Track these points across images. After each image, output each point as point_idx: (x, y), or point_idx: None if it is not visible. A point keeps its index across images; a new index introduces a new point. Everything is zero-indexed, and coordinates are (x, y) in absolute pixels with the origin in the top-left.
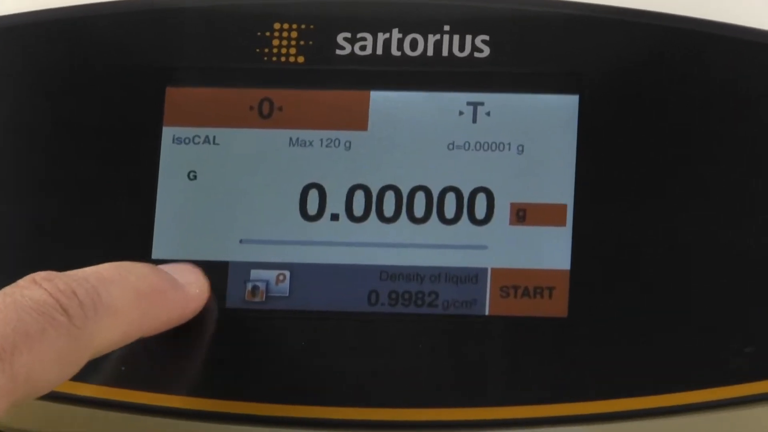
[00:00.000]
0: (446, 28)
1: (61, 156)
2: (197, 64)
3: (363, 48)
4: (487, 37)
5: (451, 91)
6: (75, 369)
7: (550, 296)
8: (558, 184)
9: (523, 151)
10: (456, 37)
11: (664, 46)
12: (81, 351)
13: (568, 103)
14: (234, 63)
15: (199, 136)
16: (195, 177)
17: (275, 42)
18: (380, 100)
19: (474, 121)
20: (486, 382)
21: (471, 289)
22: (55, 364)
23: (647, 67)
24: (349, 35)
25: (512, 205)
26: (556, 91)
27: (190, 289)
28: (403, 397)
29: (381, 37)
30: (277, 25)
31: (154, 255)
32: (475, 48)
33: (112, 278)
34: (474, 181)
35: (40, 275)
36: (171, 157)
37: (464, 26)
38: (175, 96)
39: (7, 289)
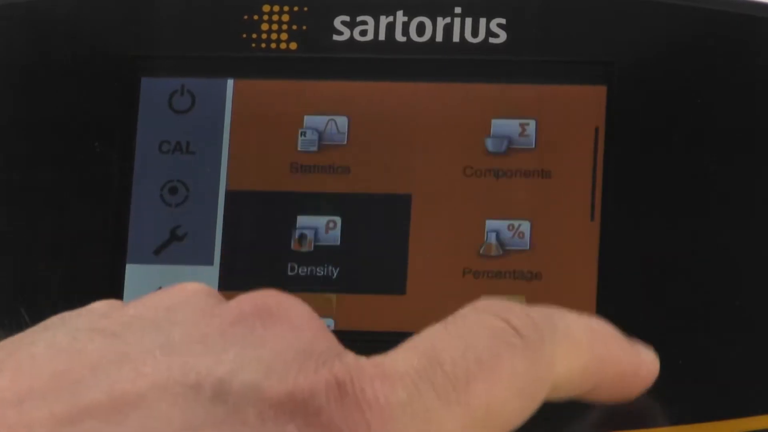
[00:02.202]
0: (457, 10)
1: (26, 155)
2: (175, 53)
3: (363, 33)
4: (503, 21)
5: (463, 82)
6: (536, 402)
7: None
8: (582, 184)
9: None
10: (468, 21)
11: (704, 31)
12: (541, 378)
13: (595, 95)
14: (217, 51)
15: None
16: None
17: (264, 27)
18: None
19: None
20: None
21: None
22: (515, 395)
23: (684, 55)
24: (347, 19)
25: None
26: (581, 81)
27: (644, 353)
28: None
29: (383, 20)
30: (266, 8)
31: (129, 261)
32: (490, 33)
33: (554, 312)
34: None
35: (485, 303)
36: (146, 158)
37: (478, 8)
38: (151, 88)
39: (454, 318)
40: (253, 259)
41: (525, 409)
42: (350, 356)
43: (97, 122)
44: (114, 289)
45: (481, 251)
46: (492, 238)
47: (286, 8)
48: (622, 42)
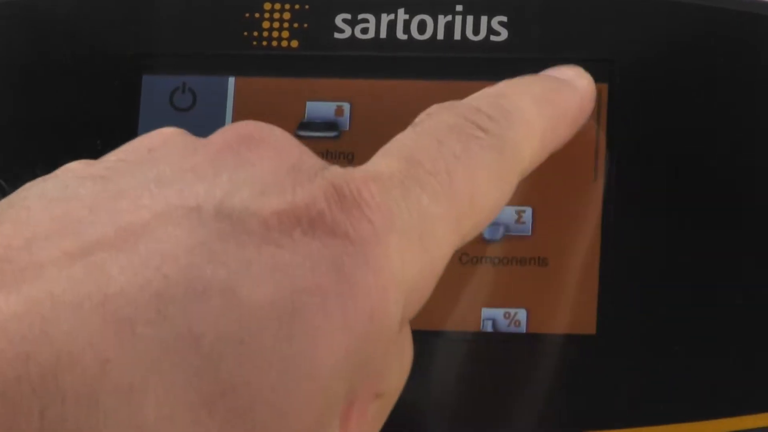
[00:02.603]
0: (459, 8)
1: (26, 154)
2: (176, 51)
3: (364, 31)
4: (504, 19)
5: (465, 80)
6: (511, 187)
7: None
8: (584, 181)
9: None
10: (470, 19)
11: (705, 29)
12: (512, 163)
13: (597, 93)
14: (218, 49)
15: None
16: None
17: (265, 24)
18: (384, 89)
19: None
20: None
21: None
22: (492, 183)
23: (685, 53)
24: (348, 17)
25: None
26: None
27: (578, 82)
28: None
29: (385, 18)
30: (267, 5)
31: None
32: (491, 31)
33: (503, 90)
34: None
35: (433, 107)
36: None
37: (479, 6)
38: (152, 86)
39: (411, 126)
40: None
41: (503, 195)
42: (338, 167)
43: (97, 120)
44: None
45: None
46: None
47: (287, 6)
48: (623, 40)
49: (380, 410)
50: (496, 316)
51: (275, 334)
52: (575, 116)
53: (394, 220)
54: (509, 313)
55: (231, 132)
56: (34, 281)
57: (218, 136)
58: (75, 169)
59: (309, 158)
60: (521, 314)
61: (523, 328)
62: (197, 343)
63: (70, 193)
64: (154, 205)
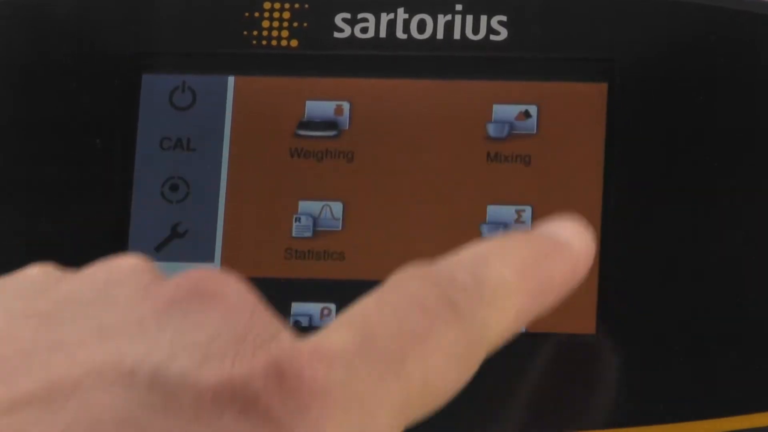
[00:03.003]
0: (458, 7)
1: (27, 152)
2: (176, 50)
3: (364, 30)
4: (504, 18)
5: (464, 79)
6: (473, 366)
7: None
8: (583, 182)
9: (545, 144)
10: (469, 18)
11: (705, 29)
12: (477, 342)
13: (597, 92)
14: (218, 48)
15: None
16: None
17: (265, 24)
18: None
19: None
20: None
21: None
22: (452, 363)
23: (685, 53)
24: (348, 16)
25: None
26: (582, 78)
27: (576, 245)
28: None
29: (384, 18)
30: (267, 5)
31: None
32: (490, 30)
33: (487, 255)
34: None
35: (411, 270)
36: (147, 154)
37: (479, 6)
38: (152, 85)
39: (380, 291)
40: (254, 255)
41: (462, 376)
42: (286, 337)
43: (98, 119)
44: None
45: None
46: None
47: (287, 5)
48: (624, 39)
49: None
50: None
51: None
52: (565, 283)
53: (334, 407)
54: None
55: (186, 283)
56: None
57: (172, 286)
58: (30, 286)
59: (259, 321)
60: None
61: (522, 328)
62: None
63: (12, 332)
64: (88, 362)
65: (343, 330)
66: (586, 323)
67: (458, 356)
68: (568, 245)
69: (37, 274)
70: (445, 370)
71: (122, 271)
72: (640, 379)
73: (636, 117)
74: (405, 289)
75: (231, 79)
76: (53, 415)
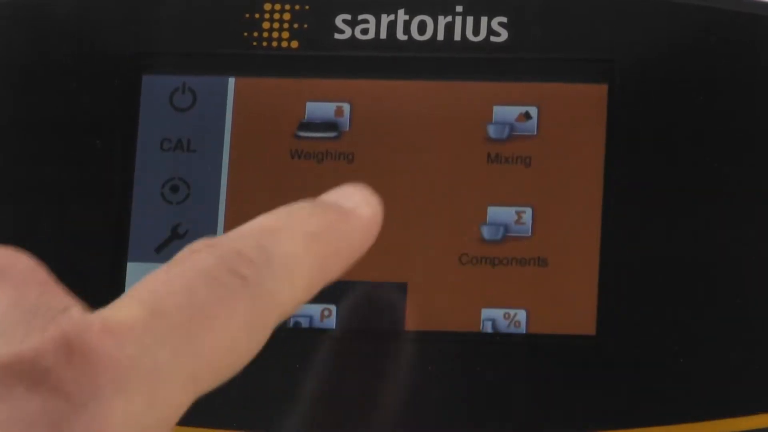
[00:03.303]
0: (459, 9)
1: (27, 153)
2: (177, 51)
3: (365, 32)
4: (504, 20)
5: (465, 80)
6: (264, 335)
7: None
8: (584, 183)
9: (545, 145)
10: (470, 20)
11: (705, 30)
12: (267, 312)
13: (597, 93)
14: (219, 49)
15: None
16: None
17: (266, 25)
18: (384, 89)
19: None
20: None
21: None
22: (243, 333)
23: (685, 54)
24: (348, 17)
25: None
26: (582, 80)
27: (362, 212)
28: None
29: (385, 19)
30: (267, 6)
31: (130, 259)
32: (491, 31)
33: (273, 227)
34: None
35: (198, 243)
36: (148, 155)
37: (479, 7)
38: (152, 86)
39: (168, 265)
40: None
41: (253, 346)
42: (77, 310)
43: (98, 120)
44: (115, 288)
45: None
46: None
47: (287, 6)
48: (624, 40)
49: None
50: (496, 317)
51: None
52: (353, 250)
53: (123, 379)
54: (509, 314)
55: None
56: None
57: None
58: None
59: (51, 297)
60: (521, 315)
61: (522, 329)
62: None
63: None
64: None
65: (133, 304)
66: (586, 324)
67: (249, 327)
68: (354, 213)
69: None
70: (235, 342)
71: None
72: (641, 380)
73: (636, 118)
74: (193, 262)
75: (231, 80)
76: None
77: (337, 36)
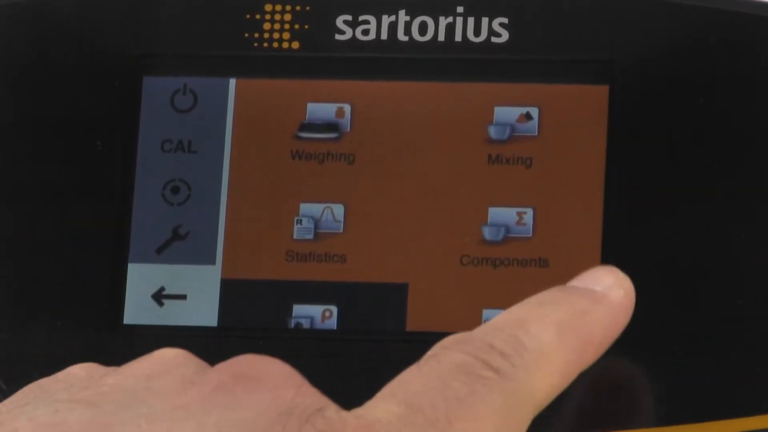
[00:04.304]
0: (459, 9)
1: (28, 154)
2: (177, 52)
3: (365, 32)
4: (505, 20)
5: (465, 81)
6: (521, 428)
7: None
8: (585, 185)
9: (546, 146)
10: (471, 20)
11: (705, 31)
12: (521, 406)
13: (597, 95)
14: (219, 49)
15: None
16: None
17: (266, 26)
18: (385, 90)
19: None
20: None
21: None
22: (497, 429)
23: (686, 54)
24: (349, 18)
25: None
26: (583, 80)
27: (613, 295)
28: None
29: (386, 20)
30: (268, 7)
31: (131, 260)
32: (492, 32)
33: (525, 318)
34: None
35: (448, 340)
36: (148, 157)
37: (480, 8)
38: (153, 87)
39: (420, 363)
40: (256, 258)
41: None
42: (332, 410)
43: (99, 121)
44: (116, 289)
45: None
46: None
47: (288, 7)
48: (624, 41)
49: None
50: None
51: None
52: (607, 335)
53: None
54: None
55: (228, 369)
56: None
57: (215, 373)
58: (73, 382)
59: (304, 398)
60: None
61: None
62: None
63: (59, 418)
64: None
65: (387, 401)
66: None
67: (503, 418)
68: (605, 297)
69: (80, 370)
70: None
71: (165, 362)
72: (644, 380)
73: (637, 119)
74: (445, 358)
75: (232, 82)
76: None
77: (338, 37)
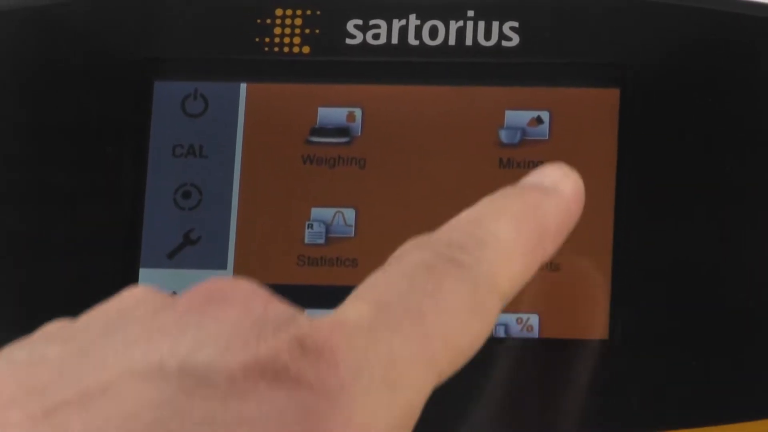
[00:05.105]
0: (470, 13)
1: (39, 158)
2: (188, 57)
3: (376, 37)
4: (516, 24)
5: (476, 85)
6: (490, 321)
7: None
8: (596, 188)
9: (557, 150)
10: (481, 24)
11: (718, 34)
12: (488, 294)
13: (608, 98)
14: (230, 54)
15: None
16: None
17: (277, 30)
18: (395, 94)
19: None
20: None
21: None
22: (469, 318)
23: (698, 58)
24: (360, 22)
25: None
26: (594, 84)
27: (564, 188)
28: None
29: (396, 24)
30: (279, 12)
31: (143, 265)
32: (502, 36)
33: (479, 216)
34: None
35: (407, 245)
36: (160, 161)
37: (490, 12)
38: (164, 92)
39: (384, 266)
40: (267, 262)
41: (481, 329)
42: (304, 317)
43: (110, 126)
44: None
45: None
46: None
47: (298, 12)
48: (636, 45)
49: None
50: (509, 321)
51: None
52: (560, 228)
53: (359, 369)
54: (521, 319)
55: (197, 292)
56: None
57: (185, 297)
58: (48, 331)
59: (275, 309)
60: (533, 319)
61: (535, 333)
62: None
63: (36, 357)
64: (118, 365)
65: (357, 303)
66: (599, 328)
67: (473, 309)
68: (555, 191)
69: (50, 325)
70: (463, 323)
71: (133, 297)
72: (654, 384)
73: (648, 122)
74: (407, 259)
75: (243, 86)
76: (89, 412)
77: (348, 41)
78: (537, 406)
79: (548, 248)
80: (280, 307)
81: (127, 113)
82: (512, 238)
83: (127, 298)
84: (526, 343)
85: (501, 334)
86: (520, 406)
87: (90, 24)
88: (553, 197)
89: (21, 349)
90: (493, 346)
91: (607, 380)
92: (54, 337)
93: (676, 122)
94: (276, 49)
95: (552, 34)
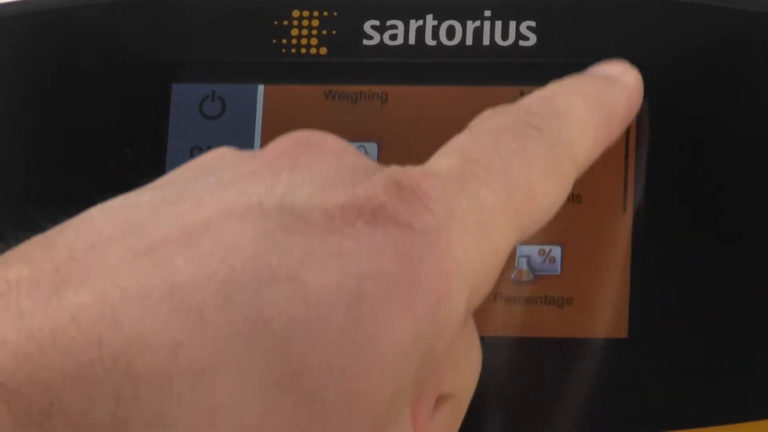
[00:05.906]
0: (487, 13)
1: (56, 161)
2: (206, 59)
3: (393, 37)
4: (533, 24)
5: (494, 85)
6: (568, 183)
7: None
8: (614, 194)
9: None
10: (498, 24)
11: (741, 34)
12: (566, 159)
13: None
14: (248, 56)
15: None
16: None
17: (294, 32)
18: (413, 95)
19: None
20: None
21: None
22: (549, 177)
23: (720, 58)
24: (377, 23)
25: None
26: None
27: (627, 78)
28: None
29: (413, 24)
30: (296, 13)
31: None
32: (520, 36)
33: (552, 93)
34: None
35: (486, 112)
36: (178, 164)
37: (508, 11)
38: (182, 94)
39: (467, 129)
40: None
41: (559, 192)
42: (395, 166)
43: (128, 129)
44: None
45: (512, 276)
46: (523, 264)
47: (315, 13)
48: (655, 45)
49: (451, 415)
50: (531, 253)
51: (343, 318)
52: (624, 113)
53: (453, 210)
54: (544, 250)
55: (286, 140)
56: (100, 276)
57: (273, 145)
58: (136, 189)
59: (365, 160)
60: (556, 251)
61: (558, 266)
62: (267, 327)
63: (131, 202)
64: (216, 204)
65: (444, 157)
66: (618, 327)
67: (552, 169)
68: (619, 80)
69: (138, 189)
70: (543, 182)
71: (216, 153)
72: (673, 383)
73: (661, 123)
74: (489, 122)
75: (261, 88)
76: (193, 248)
77: (365, 42)
78: (555, 405)
79: (613, 132)
80: (369, 159)
81: (145, 116)
82: (585, 114)
83: (210, 154)
84: (543, 341)
85: (523, 266)
86: (538, 405)
87: (107, 27)
88: (618, 85)
89: (114, 200)
90: (509, 344)
91: (625, 379)
92: (144, 189)
93: (696, 123)
94: (293, 50)
95: (570, 33)
